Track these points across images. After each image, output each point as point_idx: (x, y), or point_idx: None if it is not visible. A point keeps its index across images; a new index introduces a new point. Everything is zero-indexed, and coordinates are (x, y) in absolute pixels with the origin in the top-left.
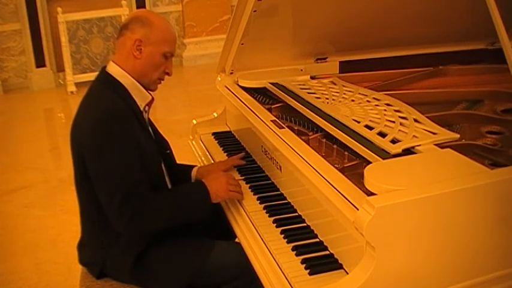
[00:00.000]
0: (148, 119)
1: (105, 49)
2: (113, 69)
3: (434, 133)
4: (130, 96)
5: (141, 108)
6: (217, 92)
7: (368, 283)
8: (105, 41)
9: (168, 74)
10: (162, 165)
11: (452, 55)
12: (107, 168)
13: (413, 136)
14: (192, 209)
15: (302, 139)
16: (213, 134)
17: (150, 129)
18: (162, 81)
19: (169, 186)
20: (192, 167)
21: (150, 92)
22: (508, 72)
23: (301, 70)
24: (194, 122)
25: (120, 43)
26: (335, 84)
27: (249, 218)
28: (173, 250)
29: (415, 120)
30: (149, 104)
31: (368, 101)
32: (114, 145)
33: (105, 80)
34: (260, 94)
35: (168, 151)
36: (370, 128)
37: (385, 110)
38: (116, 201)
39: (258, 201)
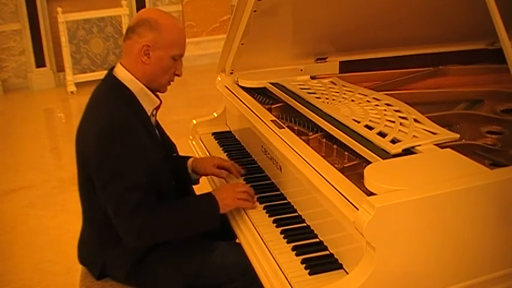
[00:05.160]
0: (156, 121)
1: (105, 49)
2: (121, 74)
3: (434, 133)
4: (137, 102)
5: (149, 113)
6: (217, 92)
7: (368, 283)
8: (105, 41)
9: (177, 75)
10: (168, 170)
11: (452, 55)
12: (113, 180)
13: (413, 136)
14: (201, 220)
15: (302, 139)
16: (213, 134)
17: (157, 132)
18: (172, 83)
19: (175, 189)
20: (188, 158)
21: (158, 94)
22: (508, 72)
23: (301, 70)
24: (194, 122)
25: (128, 46)
26: (335, 84)
27: (249, 218)
28: (173, 251)
29: (415, 120)
30: (157, 108)
31: (368, 101)
32: (119, 157)
33: (112, 84)
34: (260, 94)
35: (175, 154)
36: (370, 128)
37: (385, 110)
38: (123, 214)
39: (258, 201)
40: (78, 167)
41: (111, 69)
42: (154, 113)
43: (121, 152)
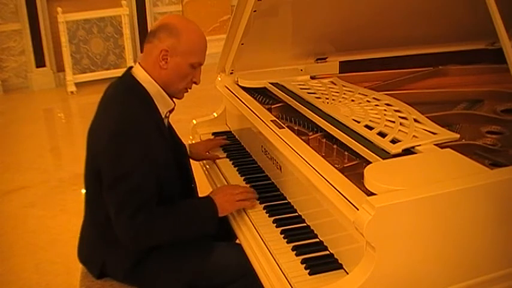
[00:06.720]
0: (169, 123)
1: (105, 49)
2: (140, 74)
3: (434, 133)
4: (153, 103)
5: (163, 115)
6: (217, 92)
7: (368, 283)
8: (105, 41)
9: (195, 83)
10: (176, 170)
11: (452, 55)
12: (121, 181)
13: (413, 136)
14: (199, 225)
15: (302, 139)
16: (213, 134)
17: (169, 134)
18: (189, 90)
19: (181, 189)
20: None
21: (174, 98)
22: (508, 72)
23: (301, 70)
24: (194, 122)
25: (148, 49)
26: (335, 84)
27: (249, 218)
28: (173, 251)
29: (415, 120)
30: (171, 111)
31: (368, 101)
32: (130, 158)
33: (130, 84)
34: (260, 94)
35: (184, 155)
36: (370, 128)
37: (385, 110)
38: (125, 215)
39: (258, 201)
40: (87, 163)
41: (130, 68)
42: (167, 115)
43: (132, 153)
